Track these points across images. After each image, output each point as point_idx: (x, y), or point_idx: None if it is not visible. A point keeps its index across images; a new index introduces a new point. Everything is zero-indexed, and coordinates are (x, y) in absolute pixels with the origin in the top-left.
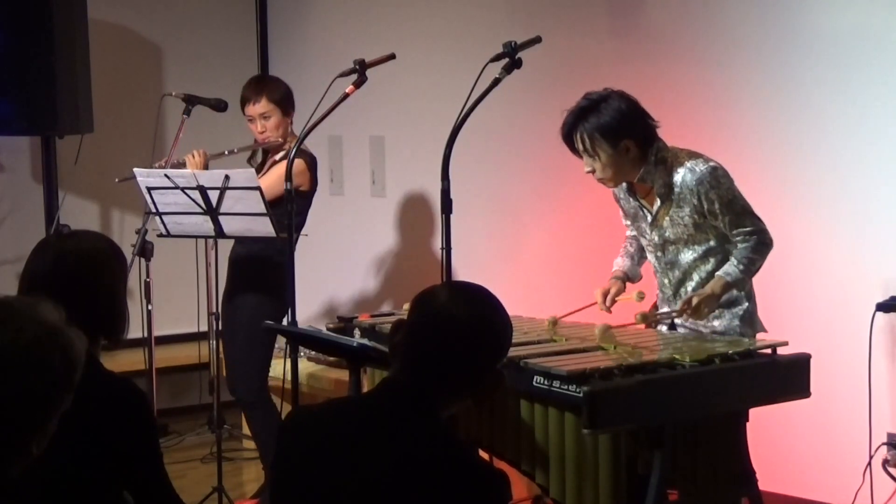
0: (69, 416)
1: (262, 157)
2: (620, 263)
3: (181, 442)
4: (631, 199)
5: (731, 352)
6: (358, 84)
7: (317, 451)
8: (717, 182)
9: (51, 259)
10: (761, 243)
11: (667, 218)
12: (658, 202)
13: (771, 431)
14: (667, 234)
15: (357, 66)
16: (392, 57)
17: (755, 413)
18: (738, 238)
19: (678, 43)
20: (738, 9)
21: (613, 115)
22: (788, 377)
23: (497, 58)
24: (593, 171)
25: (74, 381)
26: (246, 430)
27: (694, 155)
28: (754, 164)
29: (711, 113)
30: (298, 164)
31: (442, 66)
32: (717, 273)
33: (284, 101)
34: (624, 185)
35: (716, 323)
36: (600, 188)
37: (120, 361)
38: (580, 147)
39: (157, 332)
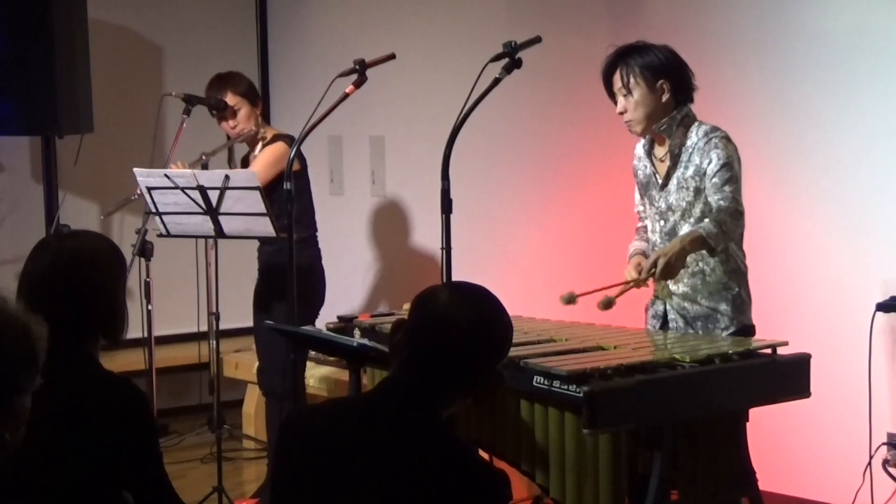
0: (68, 416)
1: (241, 160)
2: (638, 245)
3: (181, 442)
4: (648, 166)
5: (730, 352)
6: (358, 84)
7: (316, 451)
8: (724, 144)
9: (50, 259)
10: (731, 212)
11: (674, 179)
12: (668, 163)
13: (771, 431)
14: (671, 199)
15: (357, 66)
16: (392, 57)
17: (755, 413)
18: (714, 202)
19: (677, 43)
20: (737, 9)
21: (658, 56)
22: (788, 377)
23: (497, 58)
24: (624, 112)
25: (37, 363)
26: (246, 429)
27: (715, 127)
28: (753, 163)
29: (710, 113)
30: (280, 146)
31: (442, 66)
32: (691, 228)
33: (249, 93)
34: (643, 152)
35: (703, 302)
36: (601, 187)
37: (120, 361)
38: (618, 84)
39: (157, 332)
